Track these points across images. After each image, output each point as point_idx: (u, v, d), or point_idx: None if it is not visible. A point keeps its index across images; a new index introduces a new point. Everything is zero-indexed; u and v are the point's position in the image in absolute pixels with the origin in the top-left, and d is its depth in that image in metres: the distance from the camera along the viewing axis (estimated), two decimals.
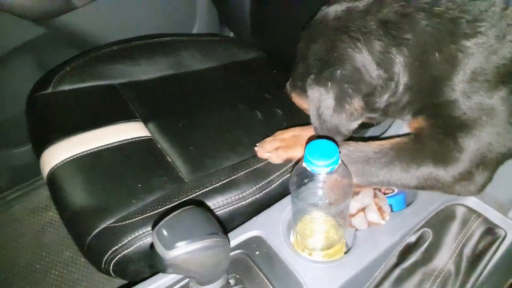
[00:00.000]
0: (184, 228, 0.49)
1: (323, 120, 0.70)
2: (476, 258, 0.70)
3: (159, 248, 0.48)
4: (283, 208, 0.72)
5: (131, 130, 0.99)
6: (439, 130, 0.64)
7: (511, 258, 0.71)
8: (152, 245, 0.50)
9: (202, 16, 1.46)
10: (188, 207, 0.52)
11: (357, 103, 0.66)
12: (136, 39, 1.23)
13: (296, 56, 0.78)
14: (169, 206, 0.79)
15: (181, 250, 0.47)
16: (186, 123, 1.03)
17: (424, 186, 0.66)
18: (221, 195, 0.80)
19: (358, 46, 0.65)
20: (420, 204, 0.73)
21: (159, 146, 0.97)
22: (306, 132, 0.85)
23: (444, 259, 0.71)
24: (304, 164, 0.60)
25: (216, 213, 0.78)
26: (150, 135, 0.99)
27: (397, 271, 0.71)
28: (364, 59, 0.65)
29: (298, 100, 0.85)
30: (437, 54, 0.61)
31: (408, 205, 0.75)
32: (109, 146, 0.94)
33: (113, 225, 0.77)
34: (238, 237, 0.68)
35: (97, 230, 0.77)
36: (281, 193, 0.84)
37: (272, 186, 0.83)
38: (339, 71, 0.66)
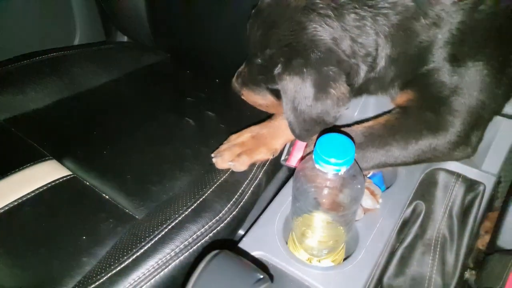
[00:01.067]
0: (225, 283, 0.38)
1: (300, 111, 0.63)
2: (465, 216, 0.71)
3: None
4: (270, 219, 0.64)
5: (46, 173, 0.80)
6: (431, 98, 0.62)
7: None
8: None
9: (83, 24, 1.26)
10: (212, 254, 0.41)
11: (343, 86, 0.60)
12: (13, 61, 1.00)
13: (250, 47, 0.69)
14: (131, 258, 0.64)
15: None
16: (110, 149, 0.87)
17: (423, 159, 0.64)
18: (195, 223, 0.68)
19: (329, 23, 0.59)
20: (403, 179, 0.72)
21: (87, 183, 0.79)
22: (266, 130, 0.77)
23: (436, 225, 0.71)
24: (310, 165, 0.53)
25: (196, 244, 0.66)
26: (71, 172, 0.81)
27: (399, 252, 0.69)
28: (337, 36, 0.59)
29: (251, 97, 0.76)
30: (422, 18, 0.58)
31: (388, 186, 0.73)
32: (24, 198, 0.74)
33: None
34: None
35: None
36: (254, 202, 0.76)
37: (246, 198, 0.74)
38: (313, 55, 0.59)
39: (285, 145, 0.80)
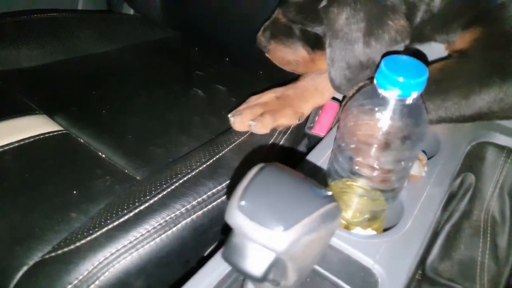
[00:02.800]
0: (279, 197, 0.28)
1: (347, 52, 0.54)
2: None
3: (262, 235, 0.26)
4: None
5: (34, 126, 0.69)
6: (501, 35, 0.54)
7: None
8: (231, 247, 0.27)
9: None
10: (258, 166, 0.31)
11: (402, 18, 0.52)
12: (10, 15, 0.90)
13: None
14: (133, 212, 0.53)
15: (301, 230, 0.26)
16: (109, 109, 0.77)
17: (486, 113, 0.55)
18: (211, 178, 0.57)
19: None
20: (447, 150, 0.63)
21: (82, 140, 0.69)
22: (292, 91, 0.68)
23: (484, 205, 0.61)
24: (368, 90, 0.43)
25: (211, 203, 0.55)
26: (63, 128, 0.70)
27: (445, 230, 0.59)
28: None
29: (279, 51, 0.67)
30: None
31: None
32: (6, 148, 0.63)
33: (52, 254, 0.48)
34: None
35: (26, 267, 0.48)
36: None
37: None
38: None
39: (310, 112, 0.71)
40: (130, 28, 1.04)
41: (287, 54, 0.66)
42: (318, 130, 0.69)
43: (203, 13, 1.02)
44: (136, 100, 0.81)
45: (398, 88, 0.41)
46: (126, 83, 0.86)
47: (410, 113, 0.43)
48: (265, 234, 0.26)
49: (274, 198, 0.28)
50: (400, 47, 0.53)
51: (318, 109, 0.70)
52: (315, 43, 0.62)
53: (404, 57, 0.42)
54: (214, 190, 0.55)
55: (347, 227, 0.52)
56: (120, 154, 0.67)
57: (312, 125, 0.70)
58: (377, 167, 0.46)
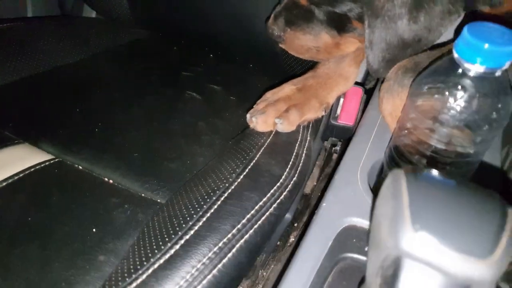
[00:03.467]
0: (454, 211, 0.22)
1: (389, 30, 0.48)
2: None
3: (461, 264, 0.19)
4: (348, 174, 0.48)
5: (18, 159, 0.58)
6: None
7: None
8: None
9: None
10: (400, 174, 0.24)
11: None
12: None
13: None
14: (178, 243, 0.44)
15: (503, 252, 0.20)
16: (102, 125, 0.67)
17: None
18: (254, 190, 0.49)
19: None
20: None
21: (80, 167, 0.59)
22: (313, 80, 0.62)
23: None
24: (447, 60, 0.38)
25: (261, 218, 0.48)
26: (54, 156, 0.60)
27: None
28: None
29: (297, 39, 0.60)
30: None
31: None
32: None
33: None
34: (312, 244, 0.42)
35: None
36: (308, 169, 0.59)
37: (302, 161, 0.57)
38: None
39: None
40: (98, 33, 0.93)
41: (307, 41, 0.59)
42: (345, 119, 0.63)
43: (177, 6, 0.92)
44: (128, 111, 0.71)
45: (487, 57, 0.36)
46: (111, 94, 0.76)
47: (497, 88, 0.38)
48: (466, 262, 0.20)
49: (450, 214, 0.22)
50: (454, 19, 0.48)
51: (339, 97, 0.65)
52: (341, 26, 0.56)
53: (487, 24, 0.37)
54: (261, 203, 0.48)
55: None
56: (131, 177, 0.58)
57: (337, 114, 0.64)
58: (448, 152, 0.41)
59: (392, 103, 0.50)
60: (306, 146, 0.59)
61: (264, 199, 0.49)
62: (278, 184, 0.51)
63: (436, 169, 0.43)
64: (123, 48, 0.94)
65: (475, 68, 0.36)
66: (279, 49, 0.83)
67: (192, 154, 0.63)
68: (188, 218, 0.46)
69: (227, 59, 0.93)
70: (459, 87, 0.38)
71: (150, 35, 0.99)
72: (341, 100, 0.65)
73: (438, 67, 0.40)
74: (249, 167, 0.52)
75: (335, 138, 0.77)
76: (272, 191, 0.50)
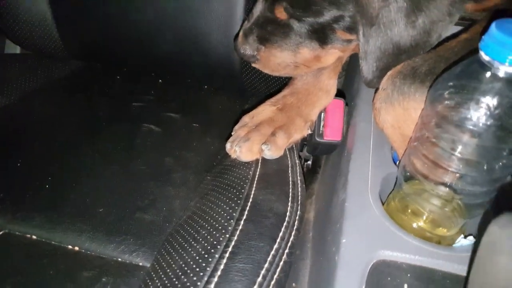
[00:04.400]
0: None
1: (385, 35, 0.44)
2: None
3: None
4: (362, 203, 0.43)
5: None
6: None
7: None
8: None
9: None
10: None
11: None
12: None
13: None
14: None
15: None
16: (52, 180, 0.56)
17: None
18: (262, 236, 0.41)
19: None
20: None
21: (34, 237, 0.48)
22: (292, 98, 0.56)
23: None
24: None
25: (277, 270, 0.40)
26: None
27: None
28: None
29: (273, 56, 0.54)
30: None
31: None
32: None
33: None
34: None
35: None
36: (305, 196, 0.53)
37: (300, 190, 0.50)
38: None
39: None
40: (26, 70, 0.81)
41: (285, 58, 0.53)
42: (331, 136, 0.58)
43: (114, 31, 0.82)
44: (79, 156, 0.61)
45: None
46: (54, 139, 0.65)
47: None
48: None
49: None
50: (454, 20, 0.45)
51: (321, 112, 0.59)
52: (324, 38, 0.51)
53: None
54: (273, 252, 0.41)
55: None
56: (101, 239, 0.48)
57: (321, 131, 0.58)
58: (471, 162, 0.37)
59: (393, 113, 0.46)
60: (298, 172, 0.53)
61: (276, 246, 0.41)
62: (285, 223, 0.44)
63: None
64: (59, 84, 0.82)
65: (505, 69, 0.32)
66: (237, 66, 0.77)
67: (166, 198, 0.55)
68: (189, 286, 0.37)
69: (178, 82, 0.85)
70: (489, 90, 0.33)
71: (88, 66, 0.88)
72: (322, 114, 0.59)
73: (462, 69, 0.36)
74: (248, 208, 0.44)
75: (317, 155, 0.72)
76: (281, 234, 0.43)
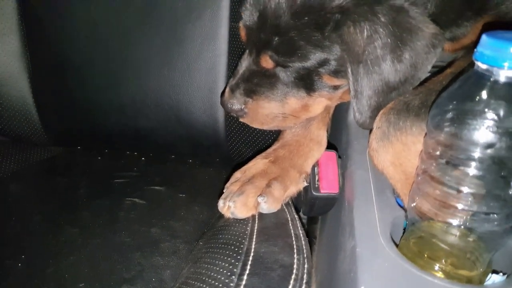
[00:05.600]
0: None
1: (373, 73, 0.44)
2: None
3: None
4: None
5: None
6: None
7: None
8: None
9: None
10: None
11: (430, 23, 0.44)
12: None
13: (261, 30, 0.48)
14: None
15: None
16: (25, 260, 0.50)
17: None
18: None
19: None
20: None
21: None
22: (284, 150, 0.54)
23: None
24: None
25: None
26: None
27: None
28: None
29: (262, 108, 0.53)
30: None
31: None
32: None
33: None
34: None
35: None
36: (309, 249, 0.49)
37: (303, 242, 0.46)
38: None
39: None
40: (3, 155, 0.77)
41: (273, 108, 0.52)
42: (328, 188, 0.55)
43: (98, 116, 0.81)
44: (57, 233, 0.56)
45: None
46: (30, 219, 0.60)
47: None
48: None
49: None
50: (438, 52, 0.46)
51: (314, 164, 0.58)
52: (311, 84, 0.51)
53: (501, 31, 0.34)
54: None
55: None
56: None
57: (317, 183, 0.56)
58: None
59: (392, 150, 0.44)
60: (299, 226, 0.49)
61: None
62: (293, 276, 0.39)
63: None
64: (37, 167, 0.79)
65: (505, 73, 0.32)
66: (222, 134, 0.76)
67: (155, 268, 0.50)
68: None
69: (158, 156, 0.82)
70: (492, 99, 0.32)
71: (68, 150, 0.85)
72: (316, 168, 0.57)
73: (459, 86, 0.35)
74: (250, 262, 0.40)
75: (314, 215, 0.68)
76: (290, 287, 0.38)
